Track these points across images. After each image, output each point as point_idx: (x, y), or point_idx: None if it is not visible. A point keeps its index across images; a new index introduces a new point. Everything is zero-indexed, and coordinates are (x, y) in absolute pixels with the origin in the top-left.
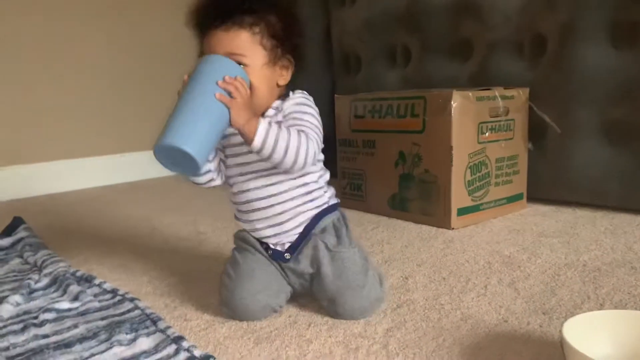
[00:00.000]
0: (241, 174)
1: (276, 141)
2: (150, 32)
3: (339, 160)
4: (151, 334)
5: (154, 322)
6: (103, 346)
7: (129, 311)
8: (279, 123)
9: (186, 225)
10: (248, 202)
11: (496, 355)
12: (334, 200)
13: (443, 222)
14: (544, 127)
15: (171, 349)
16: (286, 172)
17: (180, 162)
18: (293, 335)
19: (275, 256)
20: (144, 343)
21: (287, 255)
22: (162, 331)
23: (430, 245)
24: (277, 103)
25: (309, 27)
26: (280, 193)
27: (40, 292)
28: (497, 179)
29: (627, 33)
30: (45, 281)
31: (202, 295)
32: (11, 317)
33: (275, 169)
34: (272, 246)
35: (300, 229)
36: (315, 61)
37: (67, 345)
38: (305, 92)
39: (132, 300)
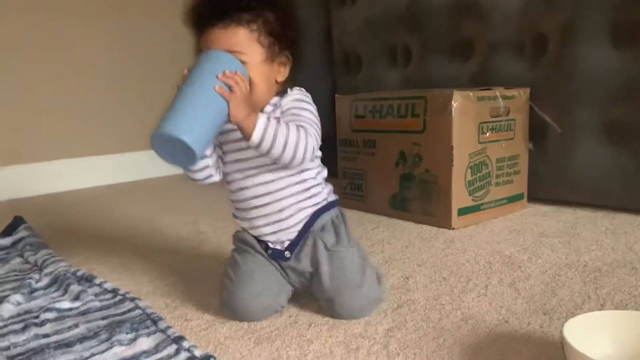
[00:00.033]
0: (239, 171)
1: (275, 136)
2: (150, 32)
3: (339, 160)
4: (152, 333)
5: (155, 322)
6: (103, 346)
7: (129, 311)
8: (277, 118)
9: (187, 225)
10: (246, 199)
11: (497, 356)
12: (333, 197)
13: (444, 222)
14: (544, 127)
15: (172, 349)
16: (285, 167)
17: (177, 153)
18: (294, 335)
19: (276, 255)
20: (145, 343)
21: (287, 254)
22: (163, 331)
23: (431, 245)
24: (275, 99)
25: (310, 27)
26: (279, 190)
27: (41, 292)
28: (497, 179)
29: (627, 33)
30: (46, 281)
31: (203, 295)
32: (12, 317)
33: (273, 165)
34: (271, 245)
35: (300, 226)
36: (316, 61)
37: (67, 344)
38: (303, 89)
39: (132, 300)
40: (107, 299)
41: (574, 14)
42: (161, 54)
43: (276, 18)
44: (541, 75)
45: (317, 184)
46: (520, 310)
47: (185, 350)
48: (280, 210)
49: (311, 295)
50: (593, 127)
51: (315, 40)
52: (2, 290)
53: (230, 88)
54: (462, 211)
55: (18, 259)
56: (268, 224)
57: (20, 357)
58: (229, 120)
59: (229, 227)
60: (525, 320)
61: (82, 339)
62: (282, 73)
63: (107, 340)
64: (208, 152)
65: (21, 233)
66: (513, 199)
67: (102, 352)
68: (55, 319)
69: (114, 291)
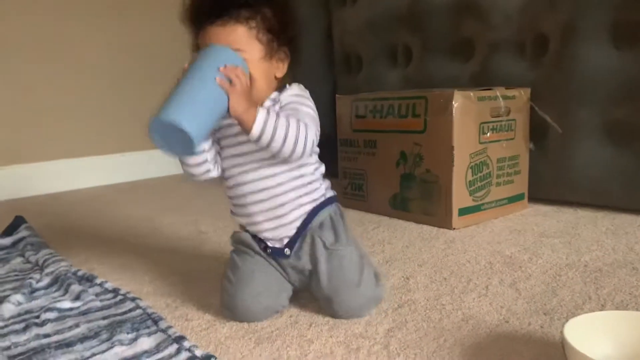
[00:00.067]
0: (237, 166)
1: (275, 129)
2: (150, 32)
3: (340, 160)
4: (152, 333)
5: (155, 322)
6: (104, 346)
7: (130, 311)
8: (277, 112)
9: (187, 225)
10: (244, 194)
11: (497, 356)
12: (330, 193)
13: (444, 222)
14: (545, 127)
15: (172, 348)
16: (284, 161)
17: (174, 142)
18: (294, 336)
19: (275, 253)
20: (145, 343)
21: (287, 251)
22: (164, 331)
23: (432, 246)
24: (274, 94)
25: (310, 26)
26: (278, 185)
27: (42, 292)
28: (498, 179)
29: (628, 33)
30: (46, 280)
31: (203, 295)
32: (13, 317)
33: (272, 160)
34: (270, 244)
35: (299, 222)
36: (317, 61)
37: (68, 344)
38: (301, 85)
39: (133, 299)
40: (108, 299)
41: (575, 14)
42: (161, 54)
43: (274, 15)
44: (542, 75)
45: (316, 180)
46: (520, 311)
47: (186, 350)
48: (280, 206)
49: (311, 295)
50: (594, 127)
51: (315, 40)
52: (2, 290)
53: (230, 81)
54: (463, 211)
55: (19, 259)
56: (267, 220)
57: (21, 357)
58: (228, 113)
59: (229, 227)
60: (525, 320)
61: (83, 338)
62: (281, 69)
63: (108, 340)
64: (206, 146)
65: (22, 233)
66: (514, 199)
67: (103, 351)
68: (56, 319)
69: (115, 291)
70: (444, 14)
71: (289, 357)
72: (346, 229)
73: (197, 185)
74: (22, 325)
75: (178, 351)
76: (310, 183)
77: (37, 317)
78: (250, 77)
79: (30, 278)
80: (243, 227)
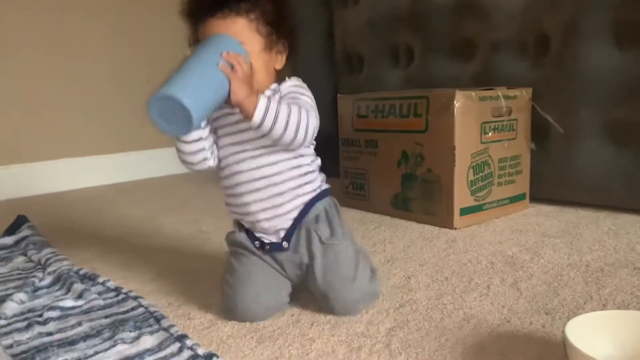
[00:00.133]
0: (235, 154)
1: (276, 115)
2: (151, 32)
3: (341, 160)
4: (154, 332)
5: (158, 321)
6: (107, 344)
7: (132, 309)
8: (278, 100)
9: (189, 224)
10: (241, 183)
11: (498, 355)
12: (326, 186)
13: (446, 221)
14: (546, 127)
15: (174, 347)
16: (285, 149)
17: (173, 121)
18: (296, 334)
19: (273, 248)
20: (148, 341)
21: (284, 244)
22: (166, 329)
23: (433, 245)
24: (273, 86)
25: (312, 26)
26: (276, 174)
27: (44, 290)
28: (499, 179)
29: (630, 33)
30: (49, 279)
31: (205, 294)
32: (15, 315)
33: (270, 148)
34: (266, 240)
35: (295, 214)
36: (318, 61)
37: (71, 343)
38: (299, 78)
39: (135, 298)
40: (110, 298)
41: (576, 14)
42: (163, 53)
43: (273, 7)
44: (543, 75)
45: (313, 171)
46: (522, 310)
47: (188, 348)
48: (277, 195)
49: (312, 295)
50: (595, 127)
51: (317, 40)
52: (5, 288)
53: (232, 67)
54: (464, 211)
55: (21, 258)
56: (264, 210)
57: (23, 355)
58: (229, 98)
59: (230, 226)
60: (527, 320)
61: (86, 337)
62: (280, 61)
63: (110, 338)
64: (204, 133)
65: (24, 232)
66: (515, 199)
67: (106, 350)
68: (59, 318)
69: (117, 290)
70: (446, 14)
71: (290, 355)
72: (342, 223)
73: (198, 185)
74: (25, 323)
75: (180, 350)
76: (307, 174)
77: (40, 315)
78: (251, 68)
79: (33, 277)
80: (237, 224)
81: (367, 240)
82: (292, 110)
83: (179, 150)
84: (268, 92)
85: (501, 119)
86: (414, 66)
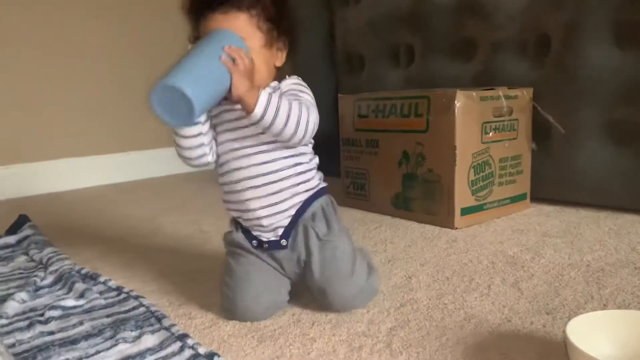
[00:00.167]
0: (235, 150)
1: (277, 110)
2: (152, 31)
3: (342, 160)
4: (156, 331)
5: (159, 320)
6: (108, 343)
7: (134, 309)
8: (278, 95)
9: (189, 224)
10: (240, 180)
11: (499, 355)
12: (323, 184)
13: (446, 221)
14: (547, 127)
15: (176, 346)
16: (285, 145)
17: (174, 112)
18: (297, 334)
19: (272, 246)
20: (149, 340)
21: (283, 242)
22: (167, 329)
23: (434, 245)
24: (274, 83)
25: (312, 26)
26: (275, 171)
27: (46, 290)
28: (500, 179)
29: (631, 33)
30: (50, 279)
31: (206, 294)
32: (17, 314)
33: (269, 145)
34: (265, 239)
35: (293, 212)
36: (319, 61)
37: (72, 342)
38: (299, 77)
39: (137, 298)
40: (112, 297)
41: (577, 14)
42: (163, 53)
43: (274, 4)
44: (544, 75)
45: (311, 169)
46: (523, 310)
47: (189, 347)
48: (276, 193)
49: (311, 292)
50: (596, 127)
51: (318, 40)
52: (7, 288)
53: (234, 61)
54: (465, 211)
55: (23, 257)
56: (263, 207)
57: (25, 355)
58: (229, 94)
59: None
60: (528, 319)
61: (87, 336)
62: (280, 58)
63: (111, 337)
64: (204, 128)
65: (26, 231)
66: (516, 198)
67: (107, 349)
68: (60, 317)
69: (119, 289)
70: (446, 13)
71: (291, 355)
72: (338, 220)
73: (199, 185)
74: (27, 322)
75: (181, 349)
76: (305, 172)
77: (42, 314)
78: (252, 64)
79: (35, 276)
80: (234, 224)
81: (368, 240)
82: (293, 105)
83: (178, 145)
84: (268, 89)
85: (502, 119)
86: (415, 66)
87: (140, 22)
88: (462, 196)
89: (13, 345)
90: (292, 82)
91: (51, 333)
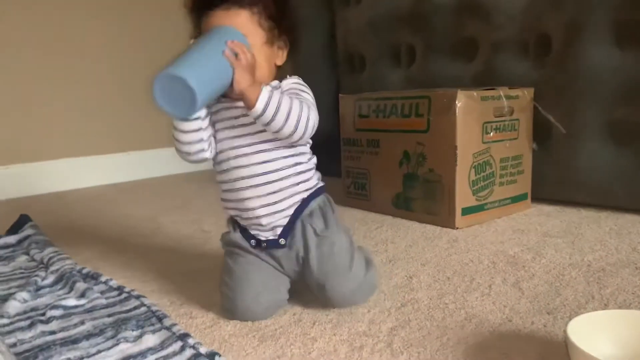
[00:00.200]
0: (234, 148)
1: (278, 106)
2: (153, 31)
3: (343, 160)
4: (157, 331)
5: (160, 320)
6: (109, 343)
7: (135, 308)
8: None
9: (190, 223)
10: (239, 178)
11: (500, 355)
12: (321, 184)
13: (447, 221)
14: (548, 127)
15: (177, 346)
16: (285, 142)
17: (176, 101)
18: (298, 333)
19: (271, 245)
20: (150, 340)
21: (282, 241)
22: (168, 328)
23: (435, 245)
24: (275, 82)
25: (313, 26)
26: (275, 171)
27: (47, 289)
28: (501, 179)
29: (631, 33)
30: (51, 278)
31: (207, 293)
32: (18, 314)
33: (269, 144)
34: (263, 237)
35: (291, 211)
36: (320, 61)
37: (73, 341)
38: (300, 77)
39: (138, 297)
40: (113, 297)
41: (577, 14)
42: (163, 53)
43: (275, 3)
44: (545, 75)
45: (310, 169)
46: (524, 310)
47: (190, 347)
48: (275, 192)
49: (310, 289)
50: (597, 127)
51: (319, 40)
52: (8, 287)
53: (236, 55)
54: (466, 211)
55: (24, 257)
56: (262, 206)
57: (26, 354)
58: (230, 90)
59: None
60: (529, 319)
61: (88, 336)
62: (281, 57)
63: (113, 337)
64: (204, 124)
65: (27, 231)
66: (517, 198)
67: (108, 348)
68: (61, 316)
69: (120, 289)
70: (447, 14)
71: (292, 354)
72: (336, 217)
73: (199, 185)
74: (28, 322)
75: (182, 348)
76: (305, 172)
77: (43, 314)
78: (254, 60)
79: (36, 276)
80: (232, 223)
81: (369, 240)
82: (294, 103)
83: (177, 140)
84: (270, 87)
85: (503, 118)
86: (416, 66)
87: (140, 22)
88: (463, 196)
89: (14, 345)
90: (293, 82)
91: (52, 332)
